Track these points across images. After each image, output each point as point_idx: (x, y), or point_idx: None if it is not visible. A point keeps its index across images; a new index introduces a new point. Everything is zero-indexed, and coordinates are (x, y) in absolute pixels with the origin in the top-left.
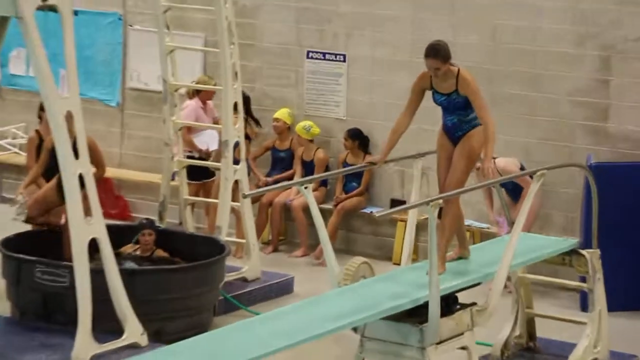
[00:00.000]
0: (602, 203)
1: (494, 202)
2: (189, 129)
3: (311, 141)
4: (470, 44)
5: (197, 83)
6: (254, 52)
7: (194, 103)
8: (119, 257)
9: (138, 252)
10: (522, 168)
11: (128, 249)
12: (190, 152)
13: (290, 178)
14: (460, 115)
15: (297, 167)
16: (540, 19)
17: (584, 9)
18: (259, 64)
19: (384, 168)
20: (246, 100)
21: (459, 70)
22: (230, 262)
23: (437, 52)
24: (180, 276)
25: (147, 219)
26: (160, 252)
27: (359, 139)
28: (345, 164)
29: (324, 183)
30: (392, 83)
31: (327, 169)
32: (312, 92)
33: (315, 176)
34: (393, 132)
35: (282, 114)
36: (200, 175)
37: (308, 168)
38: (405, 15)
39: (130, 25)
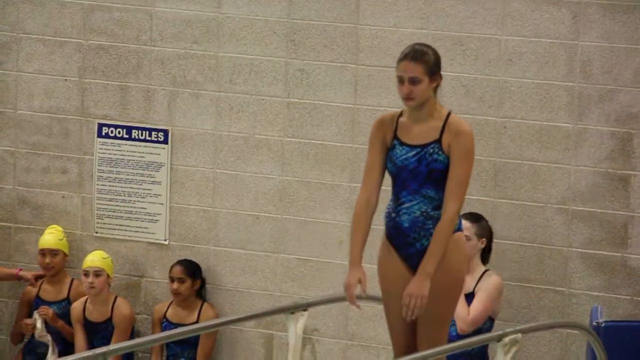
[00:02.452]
0: None
1: None
2: None
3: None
4: (378, 110)
5: None
6: (1, 125)
7: None
8: None
9: None
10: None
11: None
12: None
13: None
14: (428, 200)
15: (78, 335)
16: (513, 70)
17: (588, 50)
18: (9, 147)
19: (238, 330)
20: None
21: (449, 112)
22: None
23: (421, 55)
24: None
25: None
26: None
27: (196, 278)
28: (166, 322)
29: (128, 358)
30: (251, 180)
31: (132, 333)
32: (107, 197)
33: (113, 347)
34: (356, 224)
35: (57, 240)
36: None
37: (97, 334)
38: (276, 63)
39: None
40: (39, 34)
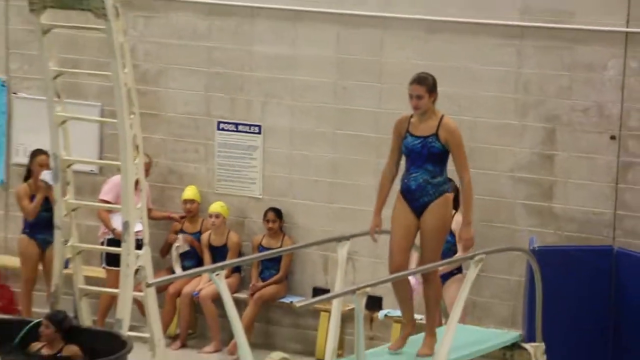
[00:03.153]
0: (547, 291)
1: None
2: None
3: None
4: (396, 113)
5: None
6: (158, 122)
7: (117, 179)
8: (25, 355)
9: (45, 350)
10: None
11: (35, 346)
12: (108, 233)
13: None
14: (428, 172)
15: (206, 254)
16: (479, 86)
17: (528, 74)
18: (163, 136)
19: (306, 252)
20: None
21: (443, 115)
22: (134, 357)
23: (424, 79)
24: None
25: (59, 311)
26: (71, 349)
27: (281, 219)
28: (261, 247)
29: (237, 269)
30: (314, 158)
31: (240, 254)
32: (223, 168)
33: (227, 262)
34: (382, 184)
35: (194, 194)
36: (112, 260)
37: (218, 254)
38: (329, 83)
39: (15, 93)
40: (181, 64)
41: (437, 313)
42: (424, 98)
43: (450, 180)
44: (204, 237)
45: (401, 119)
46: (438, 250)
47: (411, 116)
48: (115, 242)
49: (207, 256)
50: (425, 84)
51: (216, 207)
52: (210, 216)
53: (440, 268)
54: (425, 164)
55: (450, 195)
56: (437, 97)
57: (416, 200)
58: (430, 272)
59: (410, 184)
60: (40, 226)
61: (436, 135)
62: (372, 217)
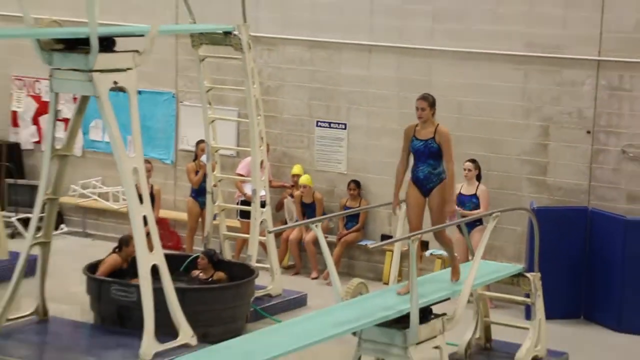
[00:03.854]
0: (542, 237)
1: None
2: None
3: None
4: (440, 115)
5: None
6: (276, 122)
7: (248, 159)
8: (188, 278)
9: (202, 275)
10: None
11: (195, 272)
12: (241, 196)
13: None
14: (430, 165)
15: (298, 208)
16: (496, 96)
17: (534, 88)
18: (279, 131)
19: (376, 210)
20: None
21: (438, 124)
22: (258, 282)
23: (427, 97)
24: (221, 293)
25: (210, 249)
26: (218, 274)
27: (360, 188)
28: (345, 207)
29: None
30: (383, 146)
31: (323, 208)
32: (320, 153)
33: (323, 217)
34: (398, 174)
35: (299, 170)
36: (244, 215)
37: (308, 209)
38: (392, 94)
39: (181, 102)
40: (292, 82)
41: (453, 253)
42: (426, 110)
43: (475, 161)
44: (297, 196)
45: (409, 127)
46: (443, 219)
47: (416, 125)
48: (246, 202)
49: (299, 209)
50: (428, 101)
51: (304, 180)
52: (299, 187)
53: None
54: (427, 160)
55: (446, 181)
56: (435, 111)
57: (424, 186)
58: (438, 233)
59: (418, 174)
60: (200, 192)
61: (433, 138)
62: (393, 198)
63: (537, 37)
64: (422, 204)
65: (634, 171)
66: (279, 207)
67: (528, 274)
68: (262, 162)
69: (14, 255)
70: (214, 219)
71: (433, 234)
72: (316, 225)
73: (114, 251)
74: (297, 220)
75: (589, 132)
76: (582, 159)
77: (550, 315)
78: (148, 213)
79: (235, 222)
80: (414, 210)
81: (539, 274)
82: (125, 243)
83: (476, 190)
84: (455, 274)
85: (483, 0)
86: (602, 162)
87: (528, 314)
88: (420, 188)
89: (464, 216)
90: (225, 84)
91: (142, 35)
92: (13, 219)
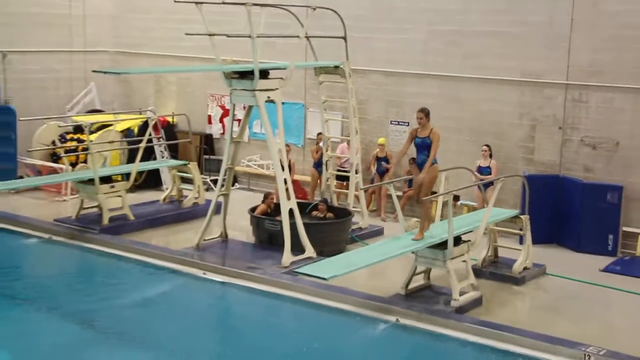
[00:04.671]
0: (530, 193)
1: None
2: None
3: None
4: (464, 117)
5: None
6: (365, 121)
7: (345, 144)
8: (310, 217)
9: (320, 214)
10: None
11: (315, 213)
12: (340, 167)
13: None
14: (426, 155)
15: (373, 163)
16: (500, 106)
17: (526, 101)
18: (367, 127)
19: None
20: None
21: (432, 127)
22: (353, 220)
23: (423, 110)
24: (331, 226)
25: (325, 198)
26: (330, 215)
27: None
28: (408, 173)
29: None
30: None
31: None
32: (392, 139)
33: (397, 179)
34: (399, 154)
35: (382, 141)
36: (344, 178)
37: (382, 160)
38: (436, 104)
39: (308, 109)
40: (374, 97)
41: (426, 217)
42: (423, 119)
43: (489, 145)
44: (373, 153)
45: (413, 129)
46: (428, 191)
47: (417, 128)
48: (345, 170)
49: (374, 163)
50: (424, 112)
51: (381, 140)
52: (379, 145)
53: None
54: (424, 151)
55: (437, 166)
56: (430, 119)
57: (420, 166)
58: (423, 197)
59: (419, 160)
60: (319, 164)
61: (429, 137)
62: (392, 167)
63: (528, 68)
64: (420, 180)
65: (587, 152)
66: (367, 168)
67: (521, 216)
68: (348, 143)
69: (208, 202)
70: (327, 181)
71: (417, 196)
72: (391, 185)
73: (262, 202)
74: (373, 173)
75: (560, 128)
76: (555, 145)
77: (535, 241)
78: (287, 177)
79: (340, 183)
80: (416, 182)
81: (527, 216)
82: (265, 197)
83: (489, 163)
84: (420, 234)
85: (494, 45)
86: (568, 147)
87: (521, 240)
88: (419, 167)
89: (482, 180)
90: (334, 98)
91: (284, 68)
92: (208, 180)
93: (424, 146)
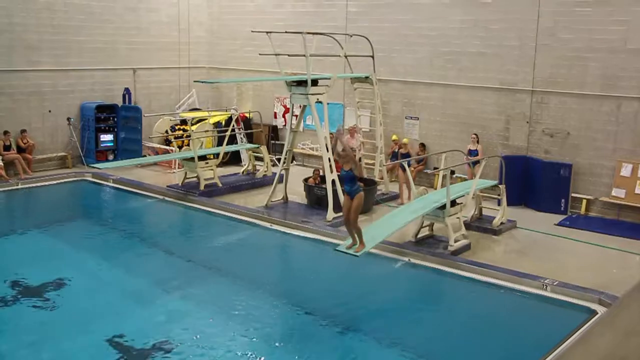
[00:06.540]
0: (505, 169)
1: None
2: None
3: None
4: (459, 115)
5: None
6: (387, 117)
7: (348, 135)
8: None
9: (313, 182)
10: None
11: (310, 181)
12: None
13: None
14: (349, 186)
15: (390, 152)
16: (484, 106)
17: (503, 102)
18: (389, 121)
19: (430, 157)
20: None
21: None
22: (378, 188)
23: (345, 150)
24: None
25: (317, 169)
26: (361, 183)
27: (424, 146)
28: (418, 154)
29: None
30: (433, 128)
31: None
32: (407, 130)
33: (412, 158)
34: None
35: (397, 139)
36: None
37: (404, 156)
38: (439, 105)
39: (346, 108)
40: (393, 99)
41: (359, 234)
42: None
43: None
44: (393, 145)
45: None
46: (357, 215)
47: (341, 157)
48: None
49: (399, 157)
50: (346, 153)
51: (405, 140)
52: (401, 146)
53: (471, 158)
54: (349, 182)
55: (362, 193)
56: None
57: (352, 196)
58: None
59: (346, 189)
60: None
61: (351, 169)
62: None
63: (505, 79)
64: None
65: (547, 140)
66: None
67: (499, 185)
68: (355, 134)
69: (274, 174)
70: (360, 160)
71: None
72: (407, 164)
73: (312, 174)
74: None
75: (527, 122)
76: (524, 134)
77: (509, 203)
78: (330, 157)
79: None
80: (345, 204)
81: (504, 185)
82: (314, 171)
83: (477, 147)
84: (361, 245)
85: (480, 62)
86: (533, 136)
87: (499, 203)
88: (349, 194)
89: (471, 159)
90: (365, 99)
91: (329, 78)
92: (274, 158)
93: (348, 178)
